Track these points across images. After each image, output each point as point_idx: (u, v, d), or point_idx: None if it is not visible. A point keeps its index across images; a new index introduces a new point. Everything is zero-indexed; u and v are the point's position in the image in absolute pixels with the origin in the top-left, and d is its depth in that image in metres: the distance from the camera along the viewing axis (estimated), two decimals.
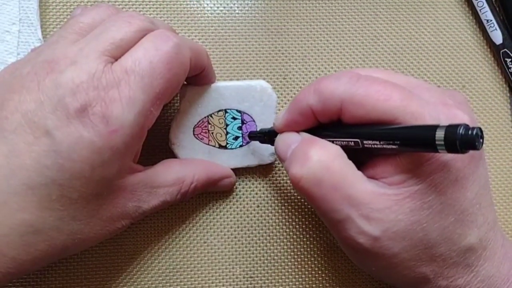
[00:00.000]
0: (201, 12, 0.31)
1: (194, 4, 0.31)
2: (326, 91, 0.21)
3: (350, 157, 0.21)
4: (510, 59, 0.32)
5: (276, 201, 0.30)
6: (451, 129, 0.17)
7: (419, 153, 0.20)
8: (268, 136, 0.26)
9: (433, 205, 0.20)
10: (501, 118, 0.32)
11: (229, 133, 0.28)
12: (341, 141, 0.21)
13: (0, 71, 0.23)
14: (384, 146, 0.19)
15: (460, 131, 0.17)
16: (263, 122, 0.28)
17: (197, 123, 0.28)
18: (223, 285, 0.29)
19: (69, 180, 0.20)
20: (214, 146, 0.28)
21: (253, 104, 0.28)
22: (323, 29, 0.32)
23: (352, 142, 0.21)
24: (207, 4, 0.31)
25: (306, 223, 0.30)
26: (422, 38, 0.32)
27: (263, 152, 0.29)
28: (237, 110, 0.28)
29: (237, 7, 0.31)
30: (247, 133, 0.28)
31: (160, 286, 0.28)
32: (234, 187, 0.30)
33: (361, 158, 0.22)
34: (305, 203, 0.30)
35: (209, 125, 0.28)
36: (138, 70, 0.21)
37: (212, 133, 0.28)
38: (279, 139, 0.24)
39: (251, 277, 0.29)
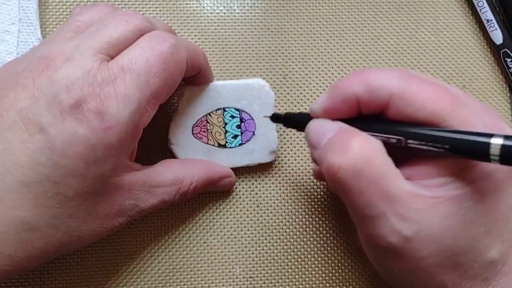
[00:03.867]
0: (201, 12, 0.31)
1: (194, 4, 0.31)
2: (376, 82, 0.20)
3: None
4: (510, 59, 0.32)
5: (276, 201, 0.30)
6: (509, 141, 0.16)
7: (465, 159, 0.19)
8: (294, 121, 0.25)
9: (467, 212, 0.19)
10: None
11: (228, 131, 0.28)
12: (382, 136, 0.21)
13: (1, 67, 0.23)
14: (430, 148, 0.19)
15: None
16: (262, 120, 0.28)
17: (196, 122, 0.28)
18: (223, 285, 0.29)
19: (64, 177, 0.20)
20: (214, 145, 0.28)
21: (251, 102, 0.28)
22: (323, 29, 0.32)
23: (395, 139, 0.20)
24: (207, 4, 0.31)
25: (307, 223, 0.30)
26: (422, 38, 0.32)
27: (263, 150, 0.29)
28: (235, 109, 0.28)
29: (237, 7, 0.31)
30: (271, 115, 0.27)
31: (160, 286, 0.28)
32: (234, 187, 0.29)
33: (395, 157, 0.21)
34: (305, 203, 0.30)
35: (208, 124, 0.28)
36: (134, 68, 0.21)
37: (211, 132, 0.28)
38: (313, 125, 0.23)
39: (251, 277, 0.29)
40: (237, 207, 0.30)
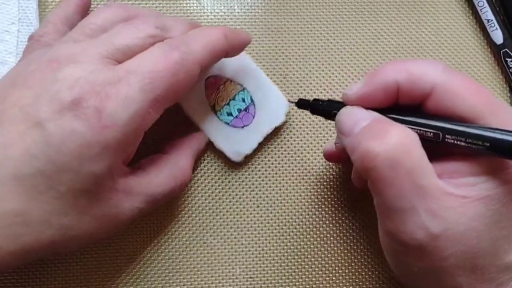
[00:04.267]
0: (201, 12, 0.31)
1: (194, 4, 0.31)
2: (418, 72, 0.20)
3: None
4: (510, 59, 0.32)
5: (276, 201, 0.30)
6: None
7: (497, 159, 0.19)
8: (323, 108, 0.24)
9: (494, 215, 0.19)
10: None
11: (229, 105, 0.28)
12: (418, 129, 0.20)
13: (11, 69, 0.24)
14: (469, 145, 0.19)
15: None
16: (258, 125, 0.29)
17: (216, 76, 0.28)
18: (223, 286, 0.29)
19: (57, 172, 0.20)
20: (208, 104, 0.28)
21: (266, 107, 0.29)
22: (324, 29, 0.32)
23: (431, 133, 0.20)
24: (207, 4, 0.31)
25: (307, 223, 0.30)
26: (423, 38, 0.32)
27: (234, 145, 0.28)
28: (251, 98, 0.28)
29: (237, 7, 0.31)
30: (297, 100, 0.26)
31: (160, 286, 0.28)
32: (234, 187, 0.29)
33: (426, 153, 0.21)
34: (306, 203, 0.30)
35: (222, 86, 0.28)
36: (140, 71, 0.21)
37: (219, 93, 0.28)
38: (345, 112, 0.22)
39: (251, 277, 0.29)
40: (237, 207, 0.29)
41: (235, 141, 0.28)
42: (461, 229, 0.19)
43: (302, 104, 0.26)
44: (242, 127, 0.29)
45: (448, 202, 0.19)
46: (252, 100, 0.29)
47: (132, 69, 0.21)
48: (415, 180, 0.19)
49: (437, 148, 0.20)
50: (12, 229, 0.20)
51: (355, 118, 0.21)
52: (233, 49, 0.26)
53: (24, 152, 0.20)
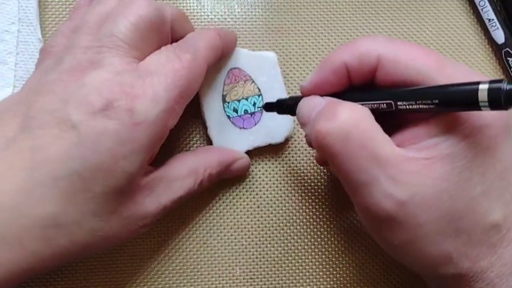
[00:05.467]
0: (201, 11, 0.31)
1: (194, 4, 0.31)
2: (363, 48, 0.21)
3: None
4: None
5: (276, 202, 0.30)
6: (494, 84, 0.16)
7: (453, 116, 0.19)
8: (286, 105, 0.25)
9: (462, 172, 0.19)
10: None
11: (239, 103, 0.29)
12: (371, 103, 0.21)
13: (26, 81, 0.24)
14: (420, 106, 0.19)
15: (505, 87, 0.16)
16: (255, 135, 0.29)
17: (242, 70, 0.29)
18: (223, 286, 0.28)
19: (92, 172, 0.20)
20: (221, 91, 0.28)
21: (271, 122, 0.29)
22: (324, 28, 0.32)
23: (384, 104, 0.20)
24: (207, 4, 0.31)
25: (307, 223, 0.29)
26: (424, 37, 0.32)
27: (224, 142, 0.28)
28: (265, 108, 0.28)
29: (237, 6, 0.31)
30: (263, 105, 0.28)
31: (160, 286, 0.28)
32: (235, 187, 0.29)
33: (388, 128, 0.21)
34: (306, 204, 0.30)
35: (242, 82, 0.29)
36: (161, 72, 0.22)
37: (235, 87, 0.28)
38: (303, 102, 0.23)
39: (251, 278, 0.29)
40: (237, 208, 0.29)
41: (226, 137, 0.28)
42: (429, 192, 0.19)
43: (268, 107, 0.27)
44: (240, 128, 0.28)
45: (410, 167, 0.19)
46: (260, 109, 0.29)
47: (153, 70, 0.22)
48: (370, 151, 0.19)
49: (400, 120, 0.21)
50: (46, 232, 0.20)
51: (311, 106, 0.22)
52: (227, 46, 0.27)
53: (60, 154, 0.20)
